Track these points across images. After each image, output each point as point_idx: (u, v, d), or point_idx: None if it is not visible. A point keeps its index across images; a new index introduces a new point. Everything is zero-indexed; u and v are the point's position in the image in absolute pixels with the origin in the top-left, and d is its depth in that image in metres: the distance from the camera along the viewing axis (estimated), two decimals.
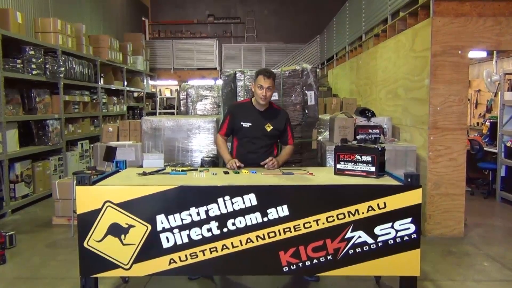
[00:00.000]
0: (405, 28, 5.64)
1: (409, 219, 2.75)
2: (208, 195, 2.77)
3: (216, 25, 16.96)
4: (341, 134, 5.12)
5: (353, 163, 3.04)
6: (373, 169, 2.97)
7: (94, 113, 8.87)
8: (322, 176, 3.14)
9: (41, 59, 6.59)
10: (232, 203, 2.75)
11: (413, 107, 5.21)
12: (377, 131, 5.15)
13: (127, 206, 2.75)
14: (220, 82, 6.44)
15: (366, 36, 7.93)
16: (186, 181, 2.94)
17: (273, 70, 4.87)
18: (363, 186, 2.82)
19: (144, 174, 3.14)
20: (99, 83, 9.10)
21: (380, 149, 2.99)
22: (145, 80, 12.71)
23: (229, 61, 14.54)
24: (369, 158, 2.98)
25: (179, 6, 16.91)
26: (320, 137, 5.63)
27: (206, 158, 5.22)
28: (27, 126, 6.89)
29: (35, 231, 5.21)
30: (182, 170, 3.29)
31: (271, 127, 3.64)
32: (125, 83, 10.88)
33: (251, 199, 2.75)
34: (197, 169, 3.37)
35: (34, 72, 6.41)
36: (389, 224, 2.75)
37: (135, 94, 12.87)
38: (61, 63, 7.13)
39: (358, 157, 3.01)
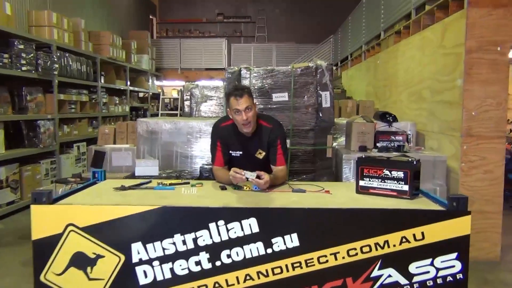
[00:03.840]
0: (432, 22, 5.03)
1: (454, 255, 2.14)
2: (197, 218, 2.18)
3: (226, 24, 16.44)
4: (360, 140, 4.52)
5: (380, 180, 2.44)
6: (405, 187, 2.37)
7: (92, 113, 8.34)
8: (341, 194, 2.54)
9: (32, 54, 6.07)
10: (228, 230, 2.16)
11: (441, 111, 4.59)
12: (401, 138, 4.54)
13: (95, 231, 2.17)
14: None
15: (385, 33, 7.31)
16: (171, 200, 2.35)
17: (280, 67, 4.34)
18: (394, 211, 2.21)
19: (123, 188, 2.57)
20: (99, 81, 8.59)
21: (415, 162, 2.39)
22: (150, 80, 12.20)
23: (239, 61, 13.96)
24: (400, 174, 2.38)
25: (188, 5, 16.43)
26: (334, 144, 5.03)
27: (206, 166, 4.64)
28: (18, 127, 6.39)
29: (16, 243, 4.69)
30: (170, 184, 2.72)
31: (263, 153, 2.99)
32: (128, 82, 10.37)
33: (251, 224, 2.16)
34: (188, 183, 2.79)
35: (23, 68, 5.89)
36: (428, 261, 2.15)
37: (141, 95, 12.37)
38: (55, 59, 6.62)
39: (387, 172, 2.41)
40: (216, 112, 7.27)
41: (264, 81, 4.24)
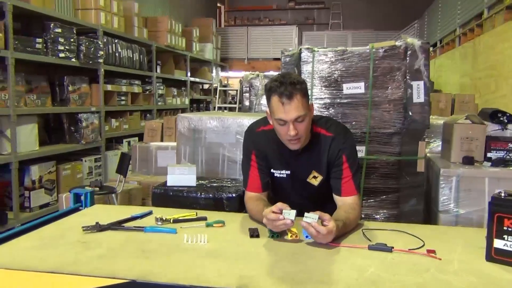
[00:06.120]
0: None
1: None
2: None
3: (298, 11, 15.27)
4: (464, 149, 3.29)
5: None
6: None
7: (146, 106, 7.67)
8: (458, 262, 1.42)
9: (73, 39, 5.41)
10: None
11: None
12: None
13: None
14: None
15: (490, 11, 5.87)
16: (154, 262, 1.37)
17: (355, 48, 3.21)
18: None
19: (98, 228, 1.65)
20: (155, 71, 7.90)
21: None
22: (214, 71, 11.43)
23: None
24: None
25: None
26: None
27: None
28: (59, 121, 5.82)
29: None
30: (174, 220, 1.76)
31: (320, 178, 1.93)
32: (189, 73, 9.64)
33: None
34: (205, 218, 1.81)
35: (61, 55, 5.24)
36: None
37: (206, 86, 11.66)
38: (100, 45, 5.95)
39: None
40: None
41: (332, 66, 3.14)
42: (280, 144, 1.91)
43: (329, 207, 1.87)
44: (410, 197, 3.15)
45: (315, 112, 2.66)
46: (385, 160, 3.11)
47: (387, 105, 3.05)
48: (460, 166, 3.16)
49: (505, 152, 3.27)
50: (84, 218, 1.79)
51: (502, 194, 1.40)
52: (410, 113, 3.04)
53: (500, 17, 5.32)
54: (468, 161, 3.22)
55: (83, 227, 1.65)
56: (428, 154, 3.68)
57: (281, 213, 1.57)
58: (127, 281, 1.21)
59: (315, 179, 1.92)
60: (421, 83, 3.01)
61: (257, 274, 1.29)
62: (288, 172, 1.96)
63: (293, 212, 1.56)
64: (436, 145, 3.98)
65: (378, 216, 3.17)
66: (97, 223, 1.66)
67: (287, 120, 1.76)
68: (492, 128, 3.55)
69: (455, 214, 3.07)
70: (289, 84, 1.74)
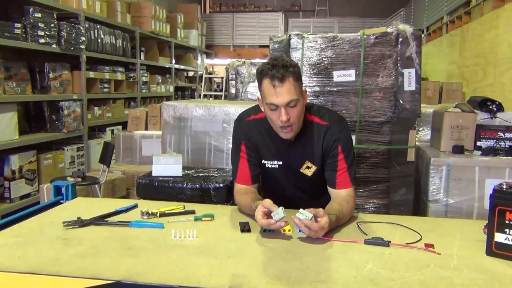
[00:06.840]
0: None
1: None
2: None
3: None
4: (454, 138, 3.26)
5: None
6: None
7: (130, 93, 7.50)
8: (457, 256, 1.37)
9: (53, 25, 5.23)
10: None
11: None
12: None
13: None
14: None
15: None
16: (140, 260, 1.29)
17: (346, 34, 3.13)
18: None
19: (80, 223, 1.56)
20: (139, 58, 7.72)
21: None
22: (199, 58, 11.26)
23: None
24: None
25: None
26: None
27: None
28: (40, 109, 5.65)
29: None
30: (161, 214, 1.68)
31: (314, 168, 1.86)
32: (173, 60, 9.47)
33: None
34: (194, 212, 1.73)
35: (41, 41, 5.06)
36: None
37: (191, 73, 11.50)
38: (82, 31, 5.76)
39: None
40: None
41: (322, 53, 3.07)
42: (271, 133, 1.83)
43: (323, 198, 1.81)
44: (400, 186, 3.12)
45: None
46: (375, 149, 3.06)
47: (377, 93, 2.99)
48: (450, 155, 3.13)
49: (495, 141, 3.25)
50: (65, 213, 1.70)
51: (504, 187, 1.35)
52: (401, 102, 2.99)
53: (489, 5, 5.30)
54: (458, 150, 3.19)
55: (64, 222, 1.56)
56: (417, 143, 3.64)
57: (270, 213, 1.51)
58: (112, 282, 1.13)
59: (309, 169, 1.86)
60: (413, 70, 2.95)
61: (251, 272, 1.22)
62: (280, 162, 1.88)
63: (281, 210, 1.48)
64: (425, 134, 3.95)
65: (367, 206, 3.13)
66: (79, 218, 1.57)
67: (278, 105, 1.68)
68: (481, 117, 3.53)
69: (445, 203, 3.04)
70: (281, 67, 1.67)
